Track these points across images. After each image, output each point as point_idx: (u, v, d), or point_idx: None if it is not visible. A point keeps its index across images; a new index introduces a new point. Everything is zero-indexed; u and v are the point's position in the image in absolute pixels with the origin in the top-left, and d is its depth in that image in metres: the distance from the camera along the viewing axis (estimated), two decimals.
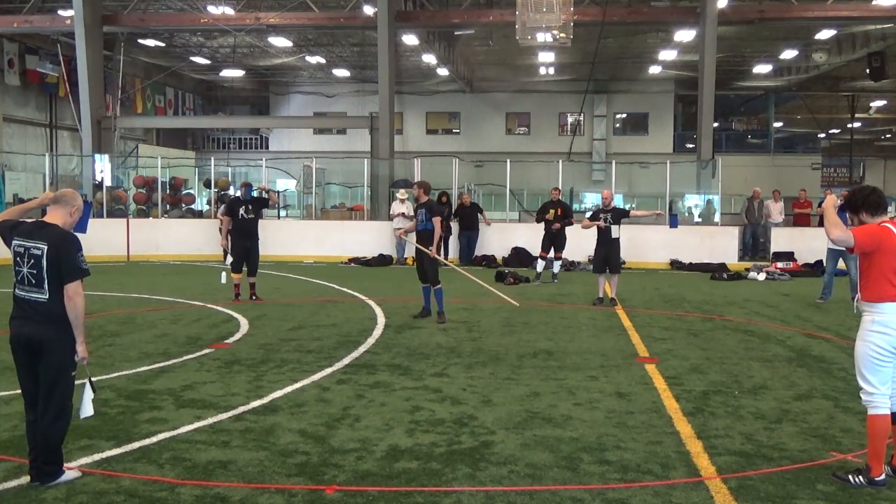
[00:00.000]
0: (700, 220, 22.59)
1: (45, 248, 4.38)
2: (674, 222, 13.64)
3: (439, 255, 18.69)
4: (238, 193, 13.08)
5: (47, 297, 4.40)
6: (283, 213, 25.90)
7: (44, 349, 4.41)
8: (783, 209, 20.32)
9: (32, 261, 4.40)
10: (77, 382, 4.60)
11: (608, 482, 4.59)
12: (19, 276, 4.46)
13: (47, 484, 4.42)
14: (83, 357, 4.50)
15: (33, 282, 4.41)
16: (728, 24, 23.97)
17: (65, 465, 4.58)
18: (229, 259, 12.40)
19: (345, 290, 13.66)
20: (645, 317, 10.98)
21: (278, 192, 26.69)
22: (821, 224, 18.18)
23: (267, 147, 39.78)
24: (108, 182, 22.75)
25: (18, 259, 4.45)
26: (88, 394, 4.70)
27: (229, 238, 12.40)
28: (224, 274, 13.09)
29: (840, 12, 22.53)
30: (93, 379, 4.80)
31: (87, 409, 4.71)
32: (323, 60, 33.81)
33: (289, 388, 6.65)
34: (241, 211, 11.99)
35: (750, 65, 33.48)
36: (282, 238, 19.33)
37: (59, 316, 4.41)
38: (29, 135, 28.38)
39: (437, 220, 10.34)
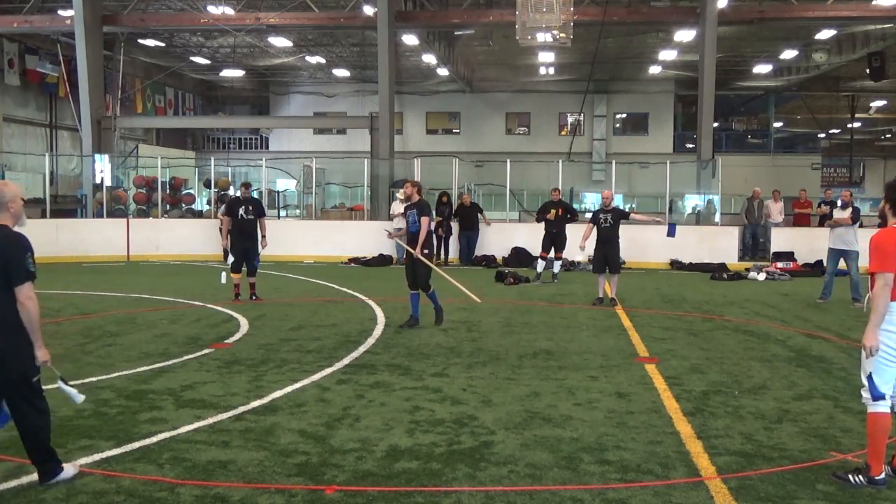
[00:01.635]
0: (699, 219, 22.58)
1: None
2: (672, 230, 13.43)
3: (438, 256, 18.95)
4: (238, 194, 13.07)
5: None
6: (283, 213, 25.92)
7: (3, 359, 4.17)
8: (783, 209, 20.32)
9: None
10: (51, 386, 4.48)
11: (608, 482, 4.59)
12: None
13: (48, 482, 4.40)
14: (44, 360, 4.29)
15: None
16: (728, 24, 23.99)
17: (65, 464, 4.57)
18: (230, 259, 12.38)
19: (345, 290, 13.66)
20: (645, 317, 10.98)
21: (278, 191, 26.77)
22: (820, 224, 18.22)
23: (267, 147, 39.82)
24: (108, 182, 22.76)
25: None
26: (68, 391, 4.59)
27: (229, 238, 12.38)
28: (224, 274, 13.08)
29: (840, 12, 22.54)
30: (64, 378, 4.67)
31: (77, 398, 4.63)
32: (323, 60, 33.82)
33: (289, 388, 6.65)
34: (241, 211, 12.00)
35: (750, 65, 33.49)
36: (282, 238, 19.28)
37: (11, 321, 4.15)
38: (29, 135, 28.39)
39: (424, 221, 9.80)
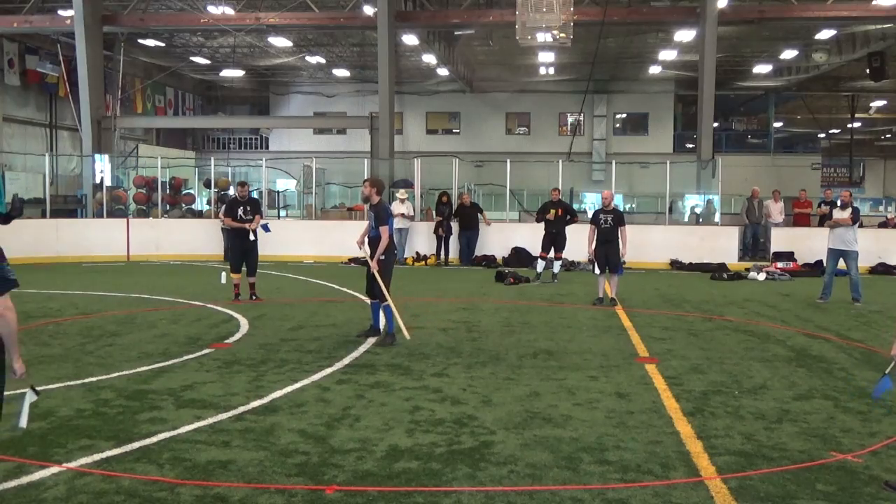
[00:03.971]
0: (700, 220, 22.60)
1: None
2: (620, 270, 13.98)
3: (438, 256, 18.96)
4: (235, 194, 13.02)
5: None
6: (283, 213, 25.92)
7: None
8: (783, 209, 20.33)
9: None
10: (17, 392, 4.12)
11: (608, 482, 4.59)
12: None
13: None
14: (21, 374, 3.88)
15: None
16: (728, 24, 24.00)
17: (65, 464, 4.56)
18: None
19: (345, 290, 13.66)
20: (645, 317, 10.97)
21: (278, 191, 26.75)
22: (820, 224, 18.22)
23: (267, 147, 39.81)
24: (108, 182, 22.77)
25: None
26: (29, 398, 4.07)
27: (228, 238, 12.37)
28: (224, 274, 13.08)
29: (840, 12, 22.55)
30: (36, 388, 4.17)
31: (24, 420, 4.08)
32: (323, 60, 33.82)
33: (289, 388, 6.65)
34: (240, 211, 12.01)
35: (750, 65, 33.49)
36: (282, 238, 19.30)
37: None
38: (29, 135, 28.39)
39: (384, 230, 8.76)
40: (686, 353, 8.40)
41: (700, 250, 18.69)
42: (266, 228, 12.36)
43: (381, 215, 8.85)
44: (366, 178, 9.13)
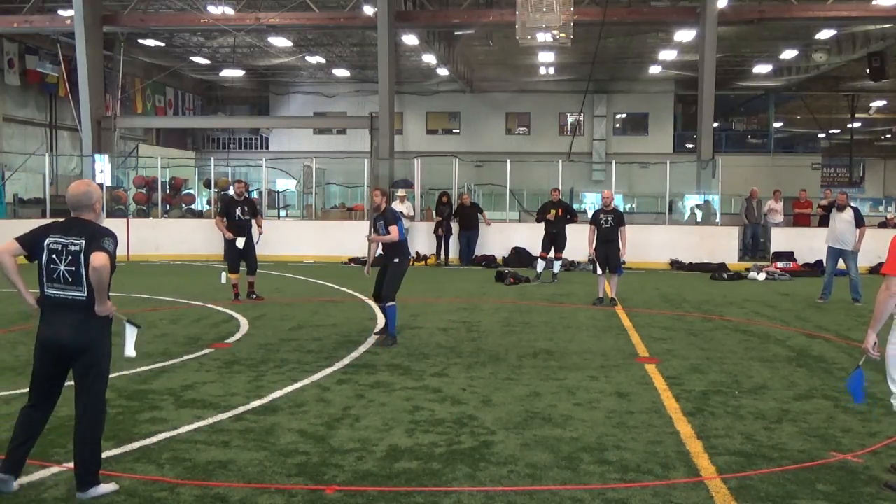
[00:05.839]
0: (699, 220, 22.59)
1: (83, 243, 4.29)
2: (619, 270, 13.90)
3: (438, 256, 18.96)
4: (232, 193, 12.91)
5: (85, 294, 4.31)
6: (283, 213, 25.93)
7: (83, 352, 4.41)
8: (783, 209, 20.33)
9: (70, 257, 4.28)
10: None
11: (608, 482, 4.59)
12: (55, 273, 4.30)
13: (87, 493, 4.26)
14: (107, 311, 4.48)
15: (70, 279, 4.28)
16: (728, 24, 23.97)
17: (65, 464, 4.56)
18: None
19: (345, 290, 13.66)
20: (645, 317, 10.97)
21: (278, 191, 26.76)
22: (820, 224, 18.23)
23: (267, 147, 39.80)
24: (108, 182, 22.74)
25: (55, 257, 4.30)
26: (130, 332, 4.84)
27: (225, 240, 12.29)
28: (224, 274, 13.07)
29: (840, 12, 22.53)
30: (133, 321, 4.89)
31: (129, 350, 4.86)
32: (323, 60, 33.81)
33: (289, 388, 6.65)
34: (238, 212, 11.97)
35: (750, 65, 33.48)
36: (282, 238, 19.31)
37: (98, 314, 4.40)
38: (29, 135, 28.37)
39: (393, 229, 8.85)
40: (686, 353, 8.41)
41: (700, 250, 18.69)
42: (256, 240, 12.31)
43: (390, 218, 8.97)
44: (376, 187, 9.31)
